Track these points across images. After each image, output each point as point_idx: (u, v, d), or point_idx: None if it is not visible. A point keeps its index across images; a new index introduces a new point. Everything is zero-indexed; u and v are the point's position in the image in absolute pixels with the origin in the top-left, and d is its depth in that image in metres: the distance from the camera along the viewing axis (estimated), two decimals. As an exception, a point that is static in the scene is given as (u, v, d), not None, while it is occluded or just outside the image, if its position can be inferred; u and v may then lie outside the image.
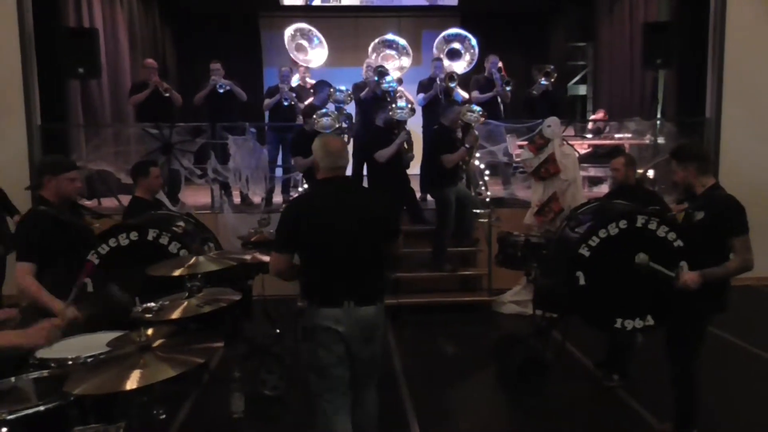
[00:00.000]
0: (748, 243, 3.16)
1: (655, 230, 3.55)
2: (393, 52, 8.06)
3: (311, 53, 8.47)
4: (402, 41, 8.15)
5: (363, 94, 7.19)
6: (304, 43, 8.48)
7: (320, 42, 8.52)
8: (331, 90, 6.94)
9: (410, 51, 8.13)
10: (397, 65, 7.96)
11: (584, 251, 3.62)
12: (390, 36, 8.24)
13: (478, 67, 8.27)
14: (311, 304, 2.78)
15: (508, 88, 7.67)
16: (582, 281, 3.62)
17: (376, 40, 8.15)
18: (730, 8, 7.14)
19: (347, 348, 2.75)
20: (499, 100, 7.79)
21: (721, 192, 3.27)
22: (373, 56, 7.97)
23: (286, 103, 7.53)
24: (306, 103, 7.38)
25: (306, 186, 6.27)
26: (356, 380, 2.84)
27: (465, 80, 7.95)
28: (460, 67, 8.13)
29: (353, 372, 2.81)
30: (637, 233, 3.56)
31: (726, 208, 3.19)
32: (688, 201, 3.48)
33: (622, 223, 3.59)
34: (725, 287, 3.30)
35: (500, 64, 7.91)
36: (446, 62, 7.99)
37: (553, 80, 7.73)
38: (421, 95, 7.47)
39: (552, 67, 7.88)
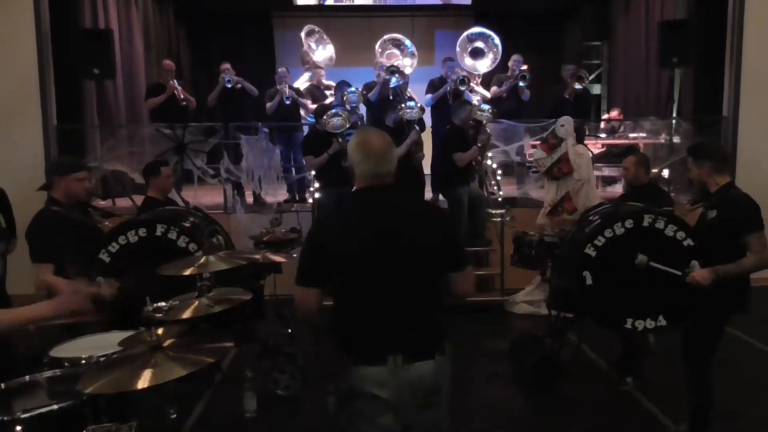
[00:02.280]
0: (764, 240, 3.12)
1: (663, 229, 3.50)
2: (397, 52, 8.02)
3: (317, 53, 8.45)
4: (409, 43, 8.10)
5: (372, 94, 7.18)
6: (313, 44, 8.48)
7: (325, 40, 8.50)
8: (345, 92, 6.93)
9: (416, 54, 8.09)
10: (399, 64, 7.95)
11: (590, 251, 3.59)
12: (399, 36, 8.20)
13: (503, 67, 8.19)
14: (346, 360, 2.09)
15: (521, 84, 7.60)
16: (589, 281, 3.59)
17: (386, 36, 8.13)
18: (748, 6, 7.02)
19: (397, 418, 2.08)
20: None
21: (735, 191, 3.23)
22: (379, 51, 7.95)
23: (288, 102, 7.49)
24: (326, 102, 7.35)
25: (317, 185, 6.25)
26: None
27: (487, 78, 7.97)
28: (483, 66, 8.05)
29: None
30: (645, 233, 3.52)
31: (739, 206, 3.16)
32: (702, 200, 3.44)
33: (629, 223, 3.55)
34: (745, 288, 3.25)
35: (525, 66, 7.86)
36: (470, 61, 7.96)
37: (585, 83, 7.65)
38: (429, 95, 7.44)
39: (585, 71, 7.82)
